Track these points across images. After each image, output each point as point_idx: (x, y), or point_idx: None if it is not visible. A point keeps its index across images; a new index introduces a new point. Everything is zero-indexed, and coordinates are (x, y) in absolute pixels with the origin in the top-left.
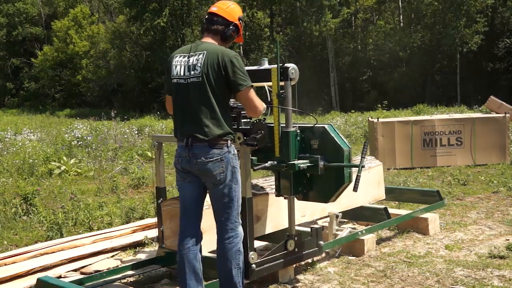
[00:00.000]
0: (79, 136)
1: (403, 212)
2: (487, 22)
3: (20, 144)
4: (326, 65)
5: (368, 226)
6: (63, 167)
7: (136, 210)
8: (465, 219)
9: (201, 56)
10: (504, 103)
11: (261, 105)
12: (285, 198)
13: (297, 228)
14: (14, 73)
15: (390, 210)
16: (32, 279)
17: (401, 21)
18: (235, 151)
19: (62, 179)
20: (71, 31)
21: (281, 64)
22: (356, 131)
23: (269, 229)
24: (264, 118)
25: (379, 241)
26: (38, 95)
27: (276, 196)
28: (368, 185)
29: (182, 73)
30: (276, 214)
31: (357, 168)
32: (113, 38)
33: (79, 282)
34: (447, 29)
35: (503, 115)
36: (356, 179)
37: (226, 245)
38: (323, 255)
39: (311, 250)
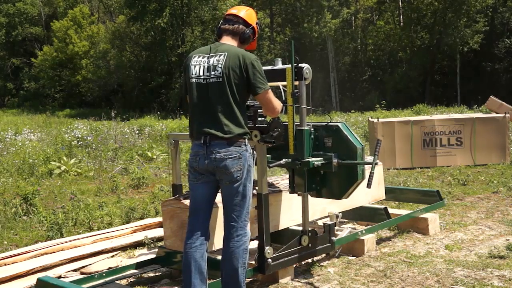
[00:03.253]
0: (79, 136)
1: (403, 212)
2: (487, 22)
3: (20, 144)
4: (326, 65)
5: (368, 226)
6: (63, 167)
7: (136, 210)
8: (465, 219)
9: (222, 57)
10: (504, 103)
11: (279, 106)
12: (299, 195)
13: (295, 228)
14: (14, 73)
15: (390, 210)
16: (32, 279)
17: (401, 21)
18: (251, 150)
19: (62, 179)
20: (70, 31)
21: (295, 64)
22: (356, 131)
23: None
24: (278, 117)
25: (379, 241)
26: (38, 95)
27: (290, 193)
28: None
29: (201, 73)
30: (276, 215)
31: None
32: (113, 38)
33: (79, 282)
34: (447, 29)
35: (503, 115)
36: (369, 176)
37: (234, 243)
38: (324, 255)
39: (324, 246)
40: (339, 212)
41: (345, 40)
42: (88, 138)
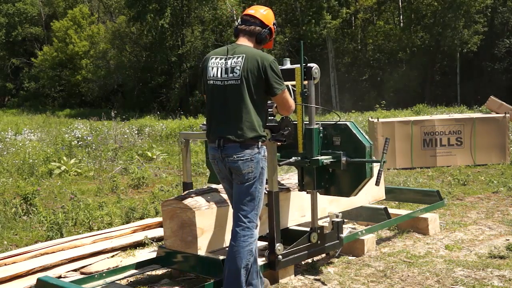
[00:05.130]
0: (79, 136)
1: (403, 212)
2: (486, 23)
3: (20, 144)
4: (326, 65)
5: (368, 226)
6: (63, 167)
7: (136, 210)
8: (465, 219)
9: (240, 59)
10: (504, 103)
11: (293, 104)
12: (307, 193)
13: (295, 228)
14: (14, 73)
15: (390, 210)
16: (32, 279)
17: (401, 21)
18: (265, 153)
19: (62, 179)
20: (70, 31)
21: (304, 64)
22: None
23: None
24: (287, 116)
25: (379, 241)
26: (38, 95)
27: (299, 191)
28: (368, 185)
29: (219, 75)
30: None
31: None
32: (113, 38)
33: (79, 282)
34: (447, 30)
35: (503, 115)
36: (378, 173)
37: (240, 243)
38: (324, 255)
39: (332, 243)
40: (339, 212)
41: (345, 40)
42: (88, 138)
